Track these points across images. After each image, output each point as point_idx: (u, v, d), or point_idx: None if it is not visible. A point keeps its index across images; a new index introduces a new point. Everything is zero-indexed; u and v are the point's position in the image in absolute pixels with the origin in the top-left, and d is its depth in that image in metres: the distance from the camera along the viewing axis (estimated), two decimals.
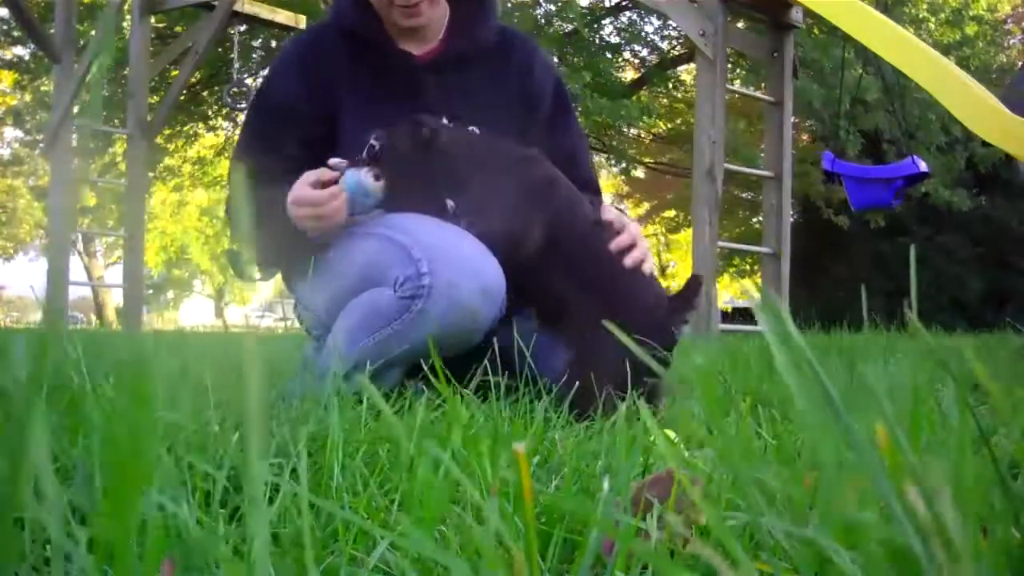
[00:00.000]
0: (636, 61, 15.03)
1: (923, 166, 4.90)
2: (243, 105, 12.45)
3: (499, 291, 1.59)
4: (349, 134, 1.77)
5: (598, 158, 16.72)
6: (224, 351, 2.00)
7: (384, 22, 1.81)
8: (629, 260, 1.64)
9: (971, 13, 13.09)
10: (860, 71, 6.81)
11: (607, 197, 27.10)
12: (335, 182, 1.63)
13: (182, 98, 11.13)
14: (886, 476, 0.33)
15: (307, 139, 1.79)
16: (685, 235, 21.43)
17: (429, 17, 1.80)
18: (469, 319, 1.55)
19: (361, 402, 1.14)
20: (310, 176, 1.64)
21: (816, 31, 10.32)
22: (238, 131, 2.10)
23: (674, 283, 29.50)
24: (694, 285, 1.68)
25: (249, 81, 11.01)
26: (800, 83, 8.14)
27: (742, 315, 16.54)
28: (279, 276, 1.99)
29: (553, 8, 12.26)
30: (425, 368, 1.52)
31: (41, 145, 10.99)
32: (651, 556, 0.31)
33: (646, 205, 22.15)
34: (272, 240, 1.73)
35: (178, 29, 11.18)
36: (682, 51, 13.81)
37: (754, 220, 16.55)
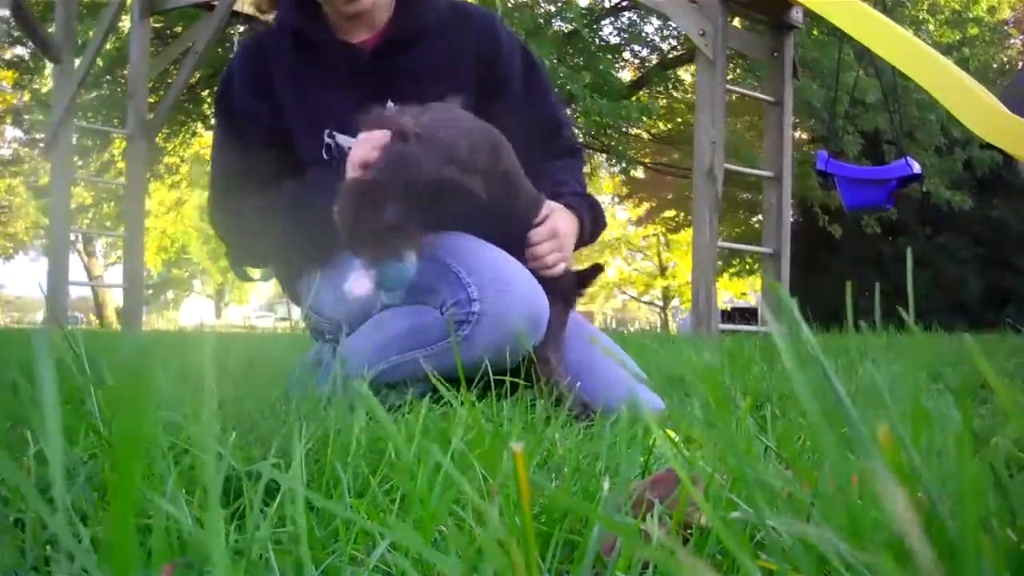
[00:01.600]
0: (636, 61, 15.03)
1: (916, 167, 4.89)
2: None
3: (545, 318, 1.60)
4: (299, 133, 1.77)
5: (598, 158, 16.70)
6: (225, 351, 2.00)
7: (328, 16, 1.80)
8: (540, 251, 1.68)
9: (971, 14, 13.10)
10: (859, 71, 6.80)
11: (606, 198, 26.70)
12: None
13: (182, 98, 11.12)
14: (890, 474, 0.34)
15: (271, 142, 1.79)
16: (685, 235, 21.43)
17: (372, 2, 1.77)
18: (515, 348, 1.54)
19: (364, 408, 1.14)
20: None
21: (816, 31, 10.32)
22: None
23: (674, 283, 29.50)
24: (594, 270, 1.83)
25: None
26: (800, 83, 8.14)
27: (742, 315, 16.56)
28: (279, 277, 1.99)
29: (553, 8, 12.26)
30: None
31: (41, 145, 11.00)
32: (654, 554, 0.31)
33: (646, 205, 22.14)
34: (272, 240, 1.74)
35: (178, 29, 11.18)
36: (682, 51, 13.81)
37: (754, 220, 16.55)
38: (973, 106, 3.96)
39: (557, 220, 1.71)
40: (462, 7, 1.91)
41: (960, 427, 0.34)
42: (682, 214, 19.83)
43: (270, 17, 1.94)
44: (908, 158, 4.95)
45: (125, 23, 9.98)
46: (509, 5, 11.25)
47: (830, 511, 0.41)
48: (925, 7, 12.54)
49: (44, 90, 14.10)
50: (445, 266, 1.59)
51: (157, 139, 11.74)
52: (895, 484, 0.32)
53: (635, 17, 13.75)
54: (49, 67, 9.78)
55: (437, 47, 1.82)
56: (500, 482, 0.66)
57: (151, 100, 8.68)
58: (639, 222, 24.93)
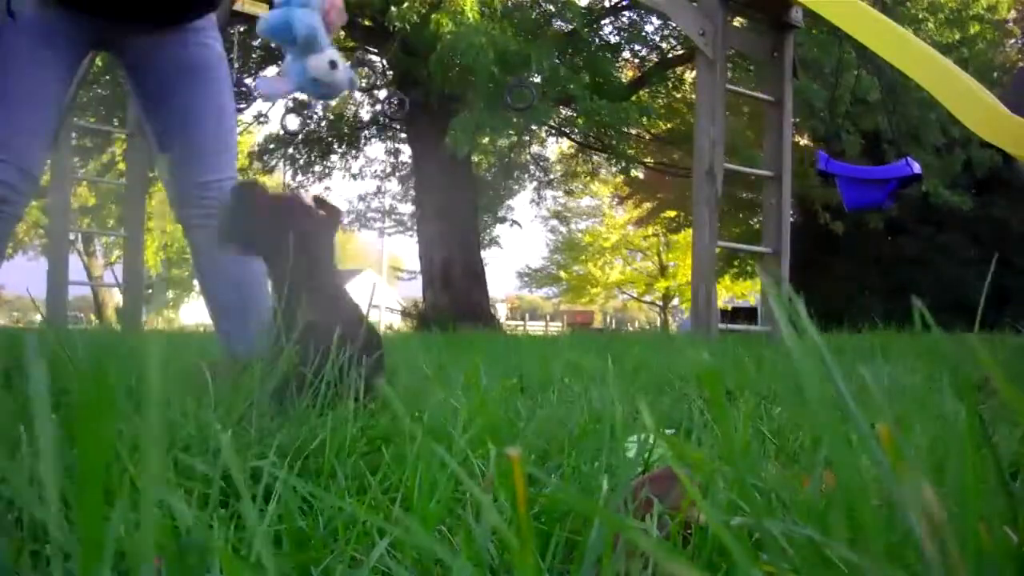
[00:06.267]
0: (636, 61, 15.02)
1: (916, 168, 4.90)
2: (243, 104, 12.37)
3: None
4: None
5: (598, 158, 16.68)
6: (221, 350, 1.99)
7: None
8: None
9: (971, 12, 13.08)
10: (859, 71, 6.80)
11: (606, 197, 26.56)
12: None
13: None
14: (892, 474, 0.33)
15: None
16: (685, 235, 21.41)
17: None
18: None
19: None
20: None
21: (816, 31, 10.31)
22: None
23: (674, 282, 29.48)
24: None
25: (249, 81, 10.98)
26: (800, 83, 8.12)
27: (742, 315, 16.56)
28: None
29: (553, 8, 12.25)
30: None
31: None
32: (654, 548, 0.31)
33: (646, 205, 22.13)
34: None
35: None
36: (682, 51, 13.80)
37: (754, 220, 16.54)
38: (972, 105, 3.96)
39: None
40: None
41: (965, 423, 0.33)
42: (682, 214, 19.82)
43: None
44: (908, 158, 4.95)
45: None
46: (509, 4, 11.24)
47: (830, 511, 0.41)
48: (924, 6, 12.52)
49: None
50: None
51: None
52: (916, 483, 0.32)
53: (635, 17, 13.75)
54: None
55: None
56: (495, 475, 0.66)
57: None
58: (639, 222, 24.90)
